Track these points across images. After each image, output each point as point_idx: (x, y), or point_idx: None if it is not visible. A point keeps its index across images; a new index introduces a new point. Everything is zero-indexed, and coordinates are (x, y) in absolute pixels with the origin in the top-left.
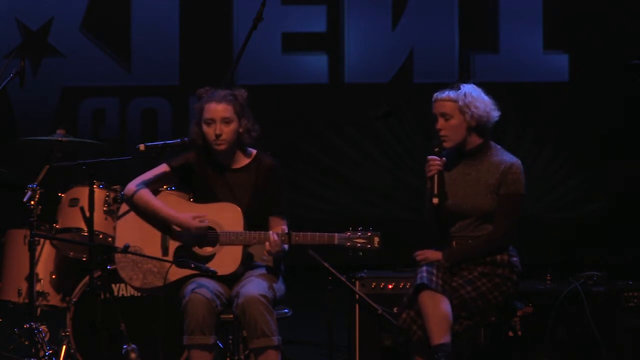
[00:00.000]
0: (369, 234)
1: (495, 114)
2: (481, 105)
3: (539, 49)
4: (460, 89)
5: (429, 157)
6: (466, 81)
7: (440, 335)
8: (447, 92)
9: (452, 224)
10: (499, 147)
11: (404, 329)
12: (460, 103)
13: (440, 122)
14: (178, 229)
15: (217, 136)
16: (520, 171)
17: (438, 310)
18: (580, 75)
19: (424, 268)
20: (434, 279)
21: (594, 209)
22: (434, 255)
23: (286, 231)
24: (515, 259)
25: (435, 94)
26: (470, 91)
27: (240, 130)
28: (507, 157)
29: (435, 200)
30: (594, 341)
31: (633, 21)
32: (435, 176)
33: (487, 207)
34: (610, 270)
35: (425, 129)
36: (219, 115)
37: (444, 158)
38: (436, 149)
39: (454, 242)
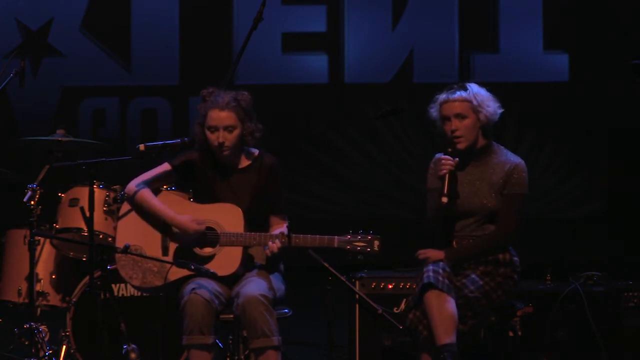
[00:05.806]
0: (369, 237)
1: (499, 112)
2: (491, 103)
3: (539, 49)
4: (467, 88)
5: (442, 156)
6: (468, 80)
7: (445, 335)
8: (457, 93)
9: (453, 223)
10: (502, 147)
11: (411, 329)
12: (474, 102)
13: (455, 123)
14: (177, 230)
15: (221, 144)
16: (525, 171)
17: (444, 310)
18: (580, 75)
19: (430, 267)
20: (440, 278)
21: (594, 209)
22: (436, 254)
23: (286, 232)
24: (516, 258)
25: (444, 96)
26: (479, 90)
27: (244, 133)
28: (512, 158)
29: (445, 200)
30: (594, 341)
31: (633, 21)
32: (447, 175)
33: (491, 206)
34: (610, 270)
35: (425, 128)
36: (223, 123)
37: (457, 159)
38: (450, 149)
39: (455, 242)
